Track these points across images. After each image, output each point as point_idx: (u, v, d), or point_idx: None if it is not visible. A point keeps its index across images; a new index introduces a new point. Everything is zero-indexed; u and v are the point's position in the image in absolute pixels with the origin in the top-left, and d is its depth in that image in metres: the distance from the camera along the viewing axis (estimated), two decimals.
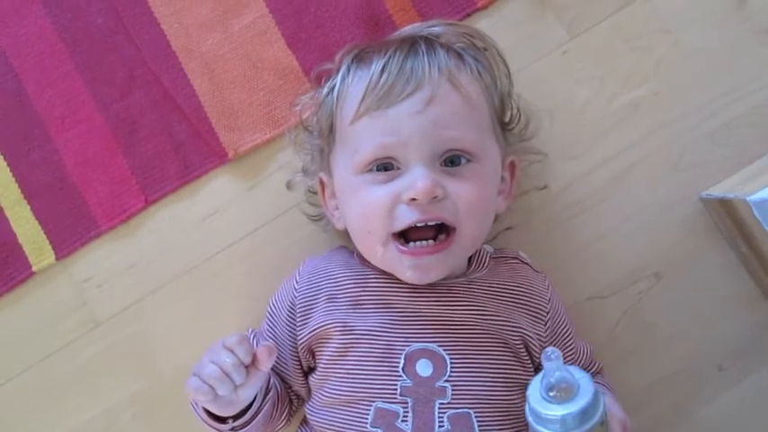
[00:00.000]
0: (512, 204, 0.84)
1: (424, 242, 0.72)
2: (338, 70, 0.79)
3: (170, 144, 0.91)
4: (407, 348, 0.73)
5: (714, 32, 0.90)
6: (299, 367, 0.80)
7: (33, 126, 0.92)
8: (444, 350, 0.73)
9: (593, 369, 0.83)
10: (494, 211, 0.79)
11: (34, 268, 0.91)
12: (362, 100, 0.73)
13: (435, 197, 0.70)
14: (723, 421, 0.88)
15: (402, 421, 0.71)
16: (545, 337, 0.78)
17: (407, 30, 0.83)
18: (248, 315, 0.88)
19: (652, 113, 0.90)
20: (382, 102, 0.72)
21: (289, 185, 0.90)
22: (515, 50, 0.87)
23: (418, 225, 0.72)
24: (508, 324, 0.76)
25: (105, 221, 0.91)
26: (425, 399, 0.72)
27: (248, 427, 0.75)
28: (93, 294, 0.91)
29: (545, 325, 0.79)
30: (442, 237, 0.73)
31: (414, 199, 0.70)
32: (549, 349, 0.63)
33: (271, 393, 0.77)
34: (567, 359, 0.79)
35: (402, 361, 0.73)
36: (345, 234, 0.81)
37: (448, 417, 0.71)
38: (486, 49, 0.81)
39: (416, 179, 0.70)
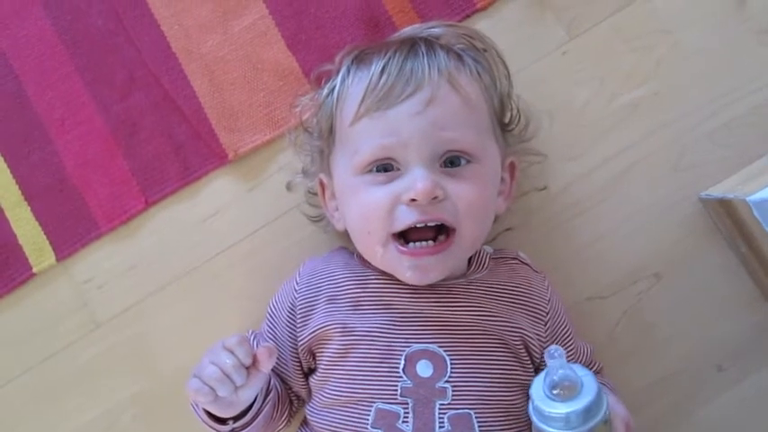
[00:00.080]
0: (511, 205, 0.84)
1: (423, 243, 0.72)
2: (338, 71, 0.79)
3: (170, 145, 0.91)
4: (408, 349, 0.74)
5: (714, 33, 0.90)
6: (299, 368, 0.80)
7: (34, 128, 0.92)
8: (444, 351, 0.73)
9: (594, 369, 0.83)
10: (493, 211, 0.79)
11: (35, 269, 0.91)
12: (362, 101, 0.73)
13: (435, 198, 0.70)
14: (723, 421, 0.88)
15: (402, 422, 0.72)
16: (545, 338, 0.78)
17: (407, 31, 0.83)
18: (248, 316, 0.88)
19: (652, 114, 0.90)
20: (382, 103, 0.72)
21: (289, 186, 0.90)
22: (515, 51, 0.87)
23: (418, 226, 0.72)
24: (508, 324, 0.76)
25: (106, 223, 0.91)
26: (426, 399, 0.72)
27: (249, 428, 0.75)
28: (93, 295, 0.91)
29: (545, 325, 0.79)
30: (441, 238, 0.73)
31: (413, 200, 0.70)
32: (553, 347, 0.63)
33: (271, 394, 0.77)
34: (568, 359, 0.78)
35: (402, 362, 0.73)
36: (345, 235, 0.81)
37: (448, 417, 0.71)
38: (485, 50, 0.81)
39: (416, 180, 0.70)
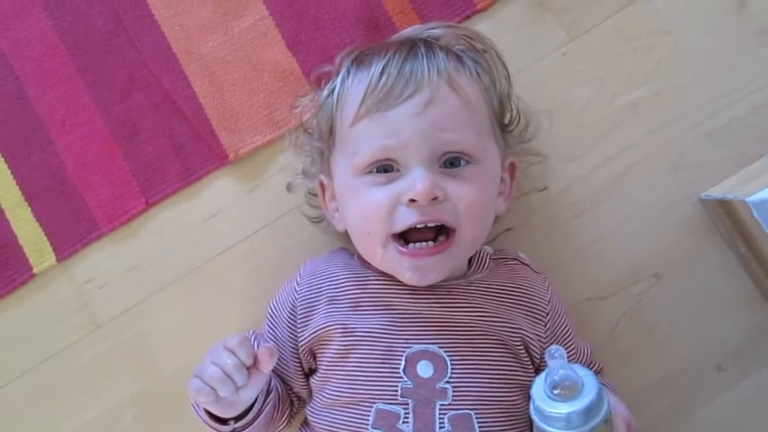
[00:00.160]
0: (511, 206, 0.84)
1: (423, 244, 0.72)
2: (338, 72, 0.80)
3: (171, 146, 0.91)
4: (408, 350, 0.74)
5: (714, 33, 0.90)
6: (299, 369, 0.80)
7: (34, 128, 0.92)
8: (445, 351, 0.74)
9: (594, 369, 0.83)
10: (494, 212, 0.79)
11: (35, 270, 0.91)
12: (362, 102, 0.73)
13: (435, 198, 0.70)
14: (723, 421, 0.88)
15: (403, 422, 0.72)
16: (545, 338, 0.79)
17: (407, 32, 0.83)
18: (249, 316, 0.88)
19: (652, 114, 0.90)
20: (382, 104, 0.72)
21: (289, 187, 0.90)
22: (515, 52, 0.87)
23: (418, 226, 0.72)
24: (508, 325, 0.76)
25: (106, 223, 0.91)
26: (426, 400, 0.72)
27: (249, 428, 0.75)
28: (93, 296, 0.91)
29: (545, 326, 0.79)
30: (441, 238, 0.73)
31: (413, 200, 0.70)
32: (553, 347, 0.63)
33: (272, 395, 0.77)
34: (568, 360, 0.79)
35: (403, 362, 0.73)
36: (346, 236, 0.81)
37: (449, 418, 0.72)
38: (485, 51, 0.81)
39: (416, 181, 0.70)
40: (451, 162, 0.73)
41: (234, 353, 0.70)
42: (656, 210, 0.89)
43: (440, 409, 0.72)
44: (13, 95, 0.92)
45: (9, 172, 0.92)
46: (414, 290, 0.76)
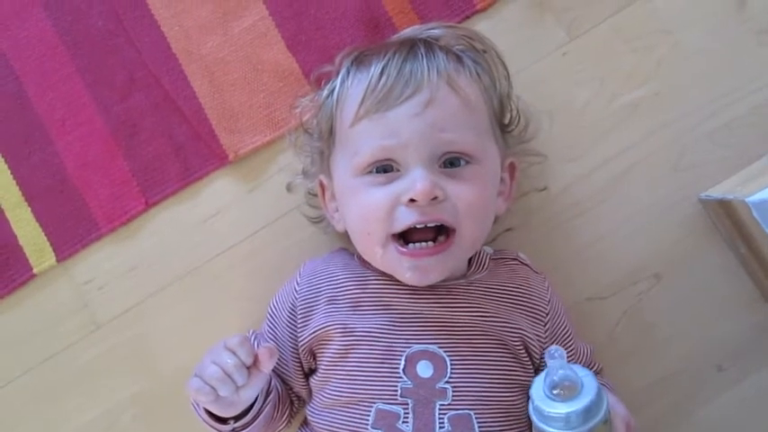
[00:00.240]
0: (511, 206, 0.84)
1: (423, 244, 0.72)
2: (338, 73, 0.80)
3: (170, 146, 0.91)
4: (408, 350, 0.74)
5: (714, 33, 0.90)
6: (299, 369, 0.80)
7: (34, 129, 0.92)
8: (444, 351, 0.74)
9: (594, 369, 0.83)
10: (493, 212, 0.79)
11: (35, 270, 0.91)
12: (362, 102, 0.73)
13: (435, 198, 0.70)
14: (723, 421, 0.88)
15: (403, 422, 0.72)
16: (545, 338, 0.79)
17: (407, 32, 0.83)
18: (249, 317, 0.88)
19: (652, 114, 0.90)
20: (381, 104, 0.72)
21: (289, 188, 0.90)
22: (515, 52, 0.87)
23: (418, 227, 0.72)
24: (508, 325, 0.76)
25: (106, 224, 0.91)
26: (426, 400, 0.72)
27: (249, 427, 0.75)
28: (93, 296, 0.91)
29: (545, 326, 0.79)
30: (441, 238, 0.73)
31: (413, 200, 0.70)
32: (553, 347, 0.63)
33: (272, 394, 0.77)
34: (568, 360, 0.78)
35: (402, 362, 0.73)
36: (345, 236, 0.81)
37: (448, 418, 0.72)
38: (485, 52, 0.81)
39: (415, 181, 0.70)
40: (451, 162, 0.73)
41: (234, 352, 0.70)
42: (656, 210, 0.89)
43: (439, 409, 0.72)
44: (13, 95, 0.92)
45: (9, 172, 0.92)
46: (413, 290, 0.76)
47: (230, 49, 0.91)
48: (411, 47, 0.75)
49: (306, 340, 0.78)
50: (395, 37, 0.84)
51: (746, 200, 0.77)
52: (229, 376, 0.69)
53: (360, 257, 0.80)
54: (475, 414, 0.72)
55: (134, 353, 0.90)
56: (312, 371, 0.80)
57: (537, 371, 0.78)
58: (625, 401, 0.75)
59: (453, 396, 0.72)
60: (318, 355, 0.78)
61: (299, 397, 0.83)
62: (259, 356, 0.70)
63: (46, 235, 0.91)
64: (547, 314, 0.79)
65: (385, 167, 0.73)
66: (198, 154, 0.91)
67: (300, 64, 0.91)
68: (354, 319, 0.76)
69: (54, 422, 0.90)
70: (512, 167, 0.82)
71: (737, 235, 0.86)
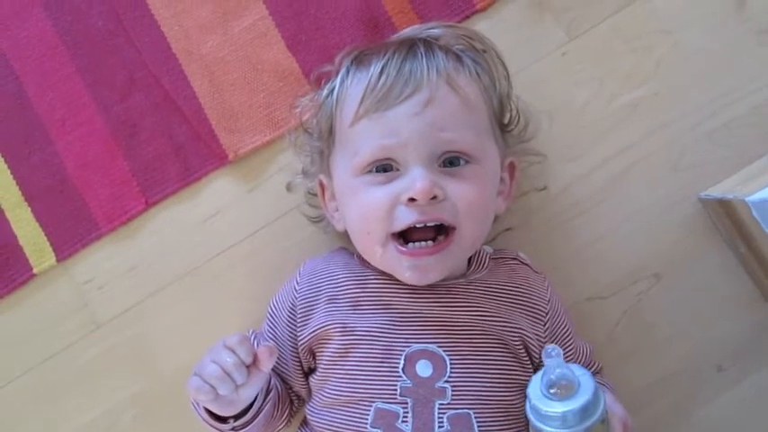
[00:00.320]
0: (511, 205, 0.84)
1: (423, 243, 0.72)
2: (338, 72, 0.80)
3: (170, 146, 0.91)
4: (407, 349, 0.74)
5: (714, 33, 0.90)
6: (299, 368, 0.80)
7: (34, 129, 0.92)
8: (444, 351, 0.74)
9: (593, 369, 0.83)
10: (493, 211, 0.79)
11: (35, 270, 0.91)
12: (361, 102, 0.73)
13: (434, 198, 0.70)
14: (722, 421, 0.88)
15: (402, 422, 0.72)
16: (544, 338, 0.78)
17: (406, 32, 0.83)
18: (249, 316, 0.88)
19: (651, 114, 0.90)
20: (381, 104, 0.72)
21: (289, 187, 0.90)
22: (514, 52, 0.87)
23: (417, 226, 0.72)
24: (507, 325, 0.76)
25: (106, 223, 0.91)
26: (425, 399, 0.72)
27: (249, 426, 0.75)
28: (93, 296, 0.91)
29: (544, 326, 0.79)
30: (441, 238, 0.73)
31: (413, 199, 0.70)
32: (550, 347, 0.63)
33: (271, 394, 0.77)
34: (567, 359, 0.78)
35: (402, 362, 0.73)
36: (345, 235, 0.81)
37: (448, 417, 0.71)
38: (484, 51, 0.81)
39: (415, 180, 0.70)
40: (451, 161, 0.73)
41: (234, 351, 0.70)
42: (656, 210, 0.89)
43: (439, 409, 0.72)
44: (13, 95, 0.92)
45: (9, 172, 0.92)
46: (413, 289, 0.76)
47: (230, 48, 0.92)
48: (411, 46, 0.75)
49: (305, 339, 0.78)
50: (394, 37, 0.84)
51: (746, 199, 0.77)
52: (229, 375, 0.69)
53: (359, 257, 0.80)
54: (474, 413, 0.72)
55: (134, 352, 0.90)
56: (312, 370, 0.80)
57: (536, 370, 0.77)
58: (625, 401, 0.74)
59: (453, 395, 0.72)
60: (318, 354, 0.78)
61: (298, 396, 0.83)
62: (258, 355, 0.70)
63: (46, 235, 0.91)
64: (546, 314, 0.79)
65: (384, 167, 0.73)
66: (198, 154, 0.91)
67: (300, 64, 0.91)
68: (354, 319, 0.76)
69: (54, 422, 0.90)
70: (511, 167, 0.82)
71: (737, 234, 0.86)
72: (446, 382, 0.72)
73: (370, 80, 0.73)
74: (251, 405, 0.74)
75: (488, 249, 0.83)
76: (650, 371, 0.89)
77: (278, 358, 0.74)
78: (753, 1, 0.90)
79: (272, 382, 0.78)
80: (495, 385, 0.74)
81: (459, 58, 0.77)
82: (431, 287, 0.76)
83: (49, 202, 0.91)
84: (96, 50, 0.93)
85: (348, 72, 0.78)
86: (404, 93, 0.72)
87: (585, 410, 0.61)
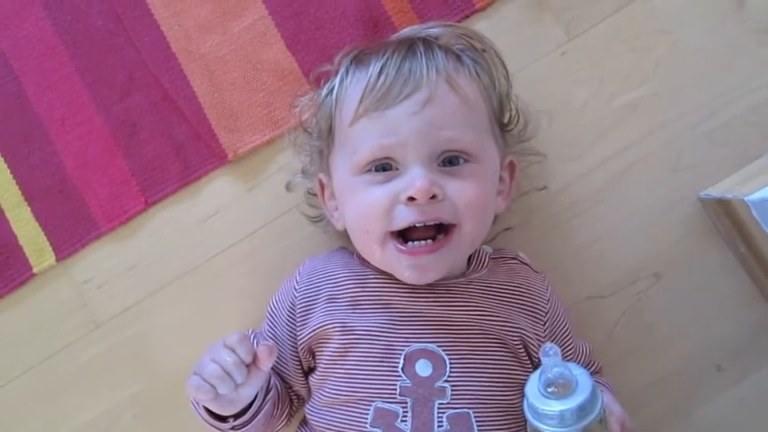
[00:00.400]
0: (511, 205, 0.84)
1: (422, 242, 0.72)
2: (337, 72, 0.80)
3: (170, 146, 0.91)
4: (407, 348, 0.74)
5: (713, 32, 0.90)
6: (299, 367, 0.80)
7: (33, 128, 0.92)
8: (443, 350, 0.74)
9: (593, 368, 0.83)
10: (493, 211, 0.79)
11: (35, 270, 0.91)
12: (361, 101, 0.73)
13: (434, 197, 0.70)
14: (722, 421, 0.88)
15: (401, 421, 0.72)
16: (544, 337, 0.78)
17: (406, 31, 0.83)
18: (249, 316, 0.88)
19: (651, 114, 0.90)
20: (380, 103, 0.72)
21: (288, 187, 0.90)
22: (514, 52, 0.87)
23: (417, 225, 0.72)
24: (507, 324, 0.76)
25: (105, 223, 0.91)
26: (425, 399, 0.72)
27: (249, 426, 0.75)
28: (93, 296, 0.91)
29: (544, 325, 0.79)
30: (440, 237, 0.73)
31: (412, 198, 0.70)
32: (548, 345, 0.63)
33: (271, 393, 0.77)
34: (567, 359, 0.79)
35: (401, 361, 0.73)
36: (345, 235, 0.81)
37: (447, 417, 0.72)
38: (484, 51, 0.81)
39: (414, 179, 0.70)
40: (450, 161, 0.73)
41: (233, 350, 0.70)
42: (656, 209, 0.90)
43: (438, 408, 0.72)
44: (12, 95, 0.92)
45: (8, 171, 0.92)
46: (413, 288, 0.76)
47: (230, 48, 0.92)
48: (410, 46, 0.75)
49: (305, 339, 0.78)
50: (394, 36, 0.84)
51: (746, 199, 0.77)
52: (228, 374, 0.69)
53: (359, 256, 0.80)
54: (474, 413, 0.72)
55: (134, 352, 0.90)
56: (311, 369, 0.80)
57: (536, 370, 0.77)
58: (624, 401, 0.75)
59: (452, 395, 0.72)
60: (317, 353, 0.78)
61: (298, 396, 0.83)
62: (258, 354, 0.70)
63: (45, 234, 0.91)
64: (546, 313, 0.79)
65: (384, 166, 0.73)
66: (197, 153, 0.91)
67: (300, 63, 0.91)
68: (354, 318, 0.76)
69: (54, 421, 0.90)
70: (511, 166, 0.82)
71: (737, 234, 0.86)
72: (446, 381, 0.72)
73: (369, 79, 0.73)
74: (251, 404, 0.74)
75: (488, 249, 0.83)
76: (649, 370, 0.89)
77: (277, 357, 0.74)
78: (752, 1, 0.90)
79: (272, 381, 0.78)
80: (494, 385, 0.74)
81: (458, 58, 0.77)
82: (430, 286, 0.76)
83: (48, 201, 0.91)
84: (96, 50, 0.93)
85: (347, 71, 0.78)
86: (403, 92, 0.72)
87: (583, 409, 0.61)
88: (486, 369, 0.74)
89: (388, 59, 0.74)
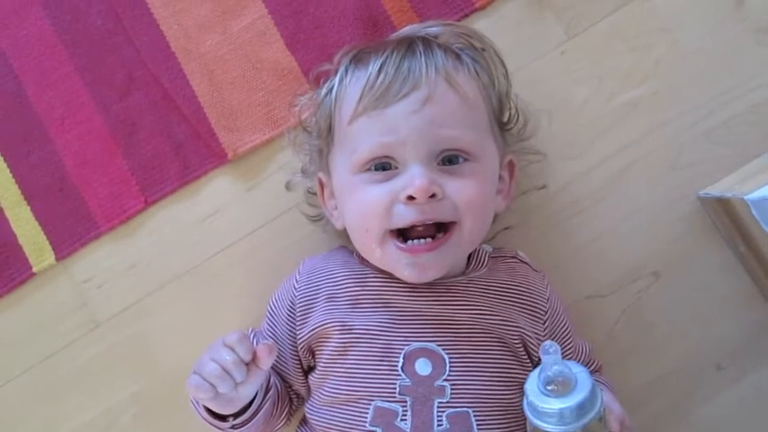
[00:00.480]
0: (511, 204, 0.84)
1: (422, 240, 0.72)
2: (336, 71, 0.80)
3: (169, 145, 0.91)
4: (406, 347, 0.74)
5: (713, 32, 0.90)
6: (298, 366, 0.80)
7: (33, 127, 0.92)
8: (443, 349, 0.74)
9: (592, 367, 0.83)
10: (493, 210, 0.79)
11: (34, 269, 0.91)
12: (360, 100, 0.73)
13: (433, 196, 0.70)
14: (721, 421, 0.88)
15: (401, 420, 0.72)
16: (543, 336, 0.78)
17: (406, 30, 0.83)
18: (248, 315, 0.88)
19: (650, 113, 0.90)
20: (380, 102, 0.72)
21: (288, 186, 0.90)
22: (513, 50, 0.87)
23: (416, 225, 0.72)
24: (507, 323, 0.76)
25: (105, 222, 0.91)
26: (424, 398, 0.72)
27: (248, 425, 0.75)
28: (93, 295, 0.91)
29: (543, 324, 0.79)
30: (440, 235, 0.73)
31: (411, 197, 0.70)
32: (547, 343, 0.63)
33: (271, 392, 0.77)
34: (566, 357, 0.79)
35: (401, 360, 0.73)
36: (345, 234, 0.81)
37: (447, 416, 0.72)
38: (484, 50, 0.81)
39: (414, 178, 0.70)
40: (449, 159, 0.73)
41: (233, 349, 0.70)
42: (655, 208, 0.90)
43: (438, 407, 0.72)
44: (11, 94, 0.92)
45: (8, 171, 0.92)
46: (412, 287, 0.76)
47: (229, 47, 0.92)
48: (409, 44, 0.75)
49: (305, 338, 0.78)
50: (393, 35, 0.84)
51: (745, 198, 0.77)
52: (228, 373, 0.69)
53: (359, 255, 0.80)
54: (473, 412, 0.72)
55: (134, 351, 0.90)
56: (311, 368, 0.80)
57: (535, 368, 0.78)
58: (624, 400, 0.75)
59: (452, 394, 0.72)
60: (317, 352, 0.78)
61: (297, 395, 0.83)
62: (258, 353, 0.70)
63: (45, 234, 0.91)
64: (546, 312, 0.79)
65: (383, 165, 0.73)
66: (197, 152, 0.91)
67: (299, 62, 0.91)
68: (353, 317, 0.76)
69: (54, 421, 0.90)
70: (511, 166, 0.82)
71: (736, 233, 0.86)
72: (445, 380, 0.72)
73: (368, 78, 0.73)
74: (250, 403, 0.74)
75: (487, 248, 0.83)
76: (649, 369, 0.89)
77: (277, 356, 0.74)
78: (751, 0, 0.90)
79: (272, 380, 0.78)
80: (494, 384, 0.74)
81: (458, 57, 0.77)
82: (430, 285, 0.76)
83: (48, 200, 0.91)
84: (95, 49, 0.93)
85: (347, 70, 0.78)
86: (402, 90, 0.72)
87: (582, 408, 0.61)
88: (485, 368, 0.74)
89: (387, 58, 0.74)
